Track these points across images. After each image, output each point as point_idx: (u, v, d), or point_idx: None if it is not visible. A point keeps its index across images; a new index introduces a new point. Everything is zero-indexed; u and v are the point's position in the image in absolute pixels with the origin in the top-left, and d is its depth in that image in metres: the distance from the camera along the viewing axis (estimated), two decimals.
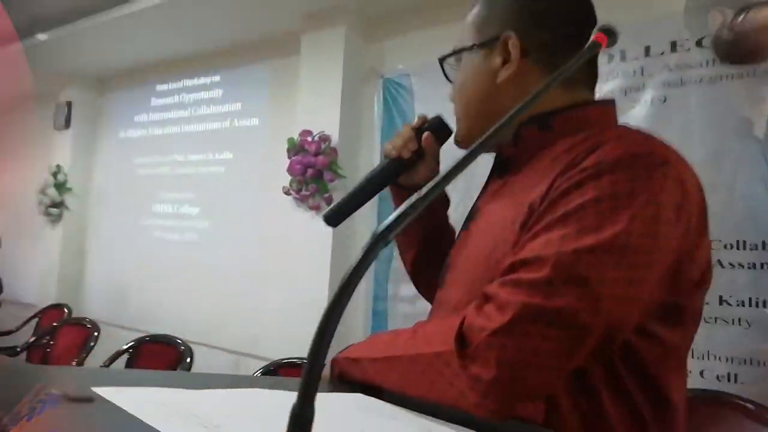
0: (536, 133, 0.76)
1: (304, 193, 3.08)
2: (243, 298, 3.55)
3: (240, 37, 3.69)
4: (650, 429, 0.64)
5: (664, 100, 2.23)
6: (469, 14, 0.84)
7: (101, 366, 2.39)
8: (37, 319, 3.56)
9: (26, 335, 3.34)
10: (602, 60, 2.33)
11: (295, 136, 3.14)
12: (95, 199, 4.72)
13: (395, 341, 0.68)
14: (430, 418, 0.56)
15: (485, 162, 0.82)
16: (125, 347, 2.40)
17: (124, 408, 0.44)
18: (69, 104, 4.68)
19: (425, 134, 0.91)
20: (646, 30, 2.30)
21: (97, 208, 4.70)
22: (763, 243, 1.98)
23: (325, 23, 3.16)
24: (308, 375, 0.31)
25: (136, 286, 4.23)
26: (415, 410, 0.58)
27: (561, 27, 0.77)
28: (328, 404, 0.58)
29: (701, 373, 2.02)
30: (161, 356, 2.33)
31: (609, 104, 0.80)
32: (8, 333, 3.59)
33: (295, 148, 3.13)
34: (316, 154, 3.03)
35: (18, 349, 2.95)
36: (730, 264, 2.03)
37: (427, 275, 0.98)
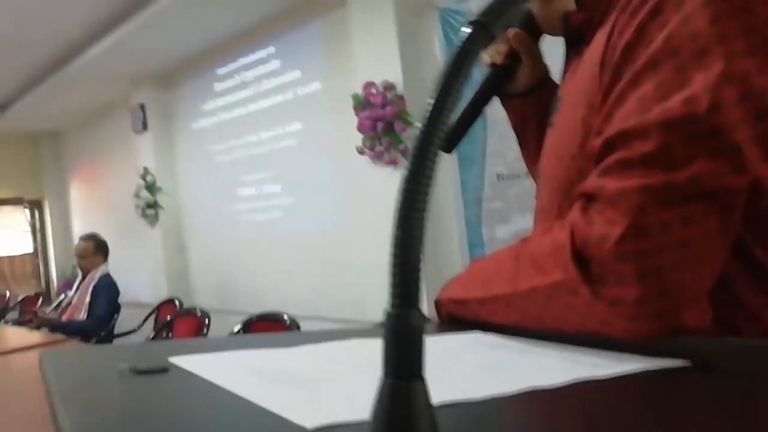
0: None
1: (378, 149, 2.98)
2: (340, 264, 3.56)
3: (286, 1, 3.59)
4: None
5: None
6: None
7: None
8: (154, 316, 3.77)
9: (147, 331, 3.55)
10: None
11: (359, 92, 3.03)
12: (184, 193, 4.91)
13: (500, 271, 0.56)
14: (570, 347, 0.44)
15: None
16: (236, 330, 2.46)
17: (201, 375, 0.36)
18: (142, 107, 4.85)
19: (514, 32, 0.79)
20: None
21: (187, 203, 4.89)
22: None
23: None
24: (401, 262, 0.20)
25: (236, 271, 4.38)
26: (549, 340, 0.47)
27: None
28: (445, 345, 0.48)
29: None
30: (270, 333, 2.36)
31: None
32: (131, 332, 3.84)
33: (362, 104, 3.03)
34: (383, 106, 2.91)
35: None
36: None
37: None
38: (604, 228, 0.45)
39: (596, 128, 0.51)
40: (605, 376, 0.36)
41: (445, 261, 2.72)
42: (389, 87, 2.91)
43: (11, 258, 7.08)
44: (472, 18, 0.27)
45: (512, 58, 0.81)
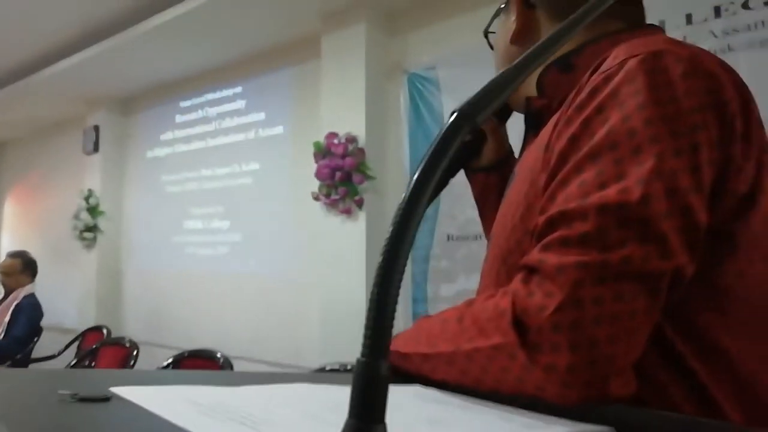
0: (558, 77, 0.67)
1: (333, 197, 3.01)
2: (280, 309, 3.50)
3: (259, 46, 3.67)
4: (709, 391, 0.53)
5: None
6: None
7: None
8: (77, 343, 3.56)
9: (68, 359, 3.34)
10: None
11: (321, 140, 3.08)
12: (127, 220, 4.76)
13: (444, 330, 0.58)
14: (506, 407, 0.47)
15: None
16: (165, 364, 2.35)
17: (142, 406, 0.36)
18: (96, 128, 4.74)
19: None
20: None
21: (129, 229, 4.73)
22: None
23: (344, 22, 3.10)
24: (377, 316, 0.22)
25: (172, 304, 4.22)
26: (487, 399, 0.49)
27: None
28: (390, 395, 0.49)
29: None
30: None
31: (652, 27, 0.70)
32: (51, 358, 3.61)
33: (322, 152, 3.07)
34: (344, 156, 2.96)
35: None
36: None
37: None
38: (543, 299, 0.48)
39: (539, 207, 0.55)
40: None
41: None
42: (351, 139, 2.97)
43: None
44: (458, 108, 0.30)
45: (478, 136, 0.90)
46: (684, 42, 0.57)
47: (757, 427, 0.55)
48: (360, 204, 2.96)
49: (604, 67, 0.55)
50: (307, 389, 0.47)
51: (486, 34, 0.87)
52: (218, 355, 2.27)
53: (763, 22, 2.04)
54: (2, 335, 3.44)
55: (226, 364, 2.16)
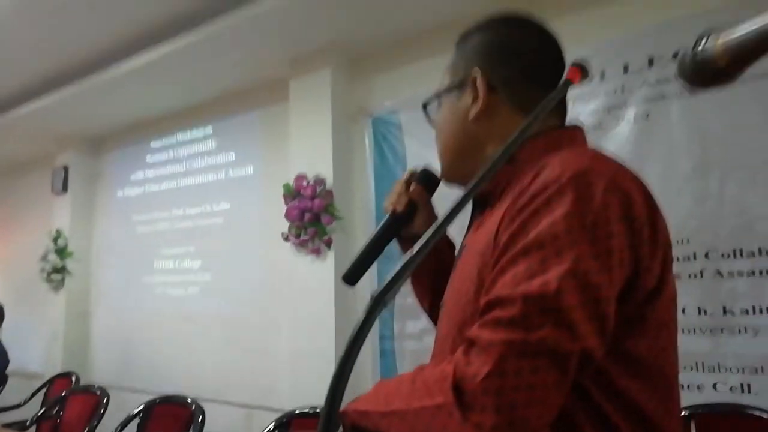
0: (503, 167, 0.78)
1: (303, 237, 3.10)
2: (250, 349, 3.53)
3: (229, 88, 3.77)
4: None
5: (647, 116, 2.27)
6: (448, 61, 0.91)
7: None
8: (45, 390, 3.53)
9: (35, 407, 3.30)
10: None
11: (290, 182, 3.17)
12: (96, 261, 4.74)
13: (399, 391, 0.69)
14: None
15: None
16: (135, 411, 2.38)
17: None
18: (65, 168, 4.73)
19: (413, 186, 1.00)
20: (624, 47, 2.36)
21: (99, 270, 4.70)
22: (760, 250, 1.99)
23: (311, 66, 3.23)
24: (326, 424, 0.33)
25: (142, 346, 4.20)
26: None
27: (525, 62, 0.82)
28: None
29: (714, 386, 2.00)
30: (173, 417, 2.30)
31: (575, 129, 0.83)
32: (17, 407, 3.55)
33: (291, 194, 3.16)
34: (312, 198, 3.06)
35: (27, 423, 2.92)
36: (729, 273, 2.03)
37: None
38: (477, 368, 0.60)
39: (486, 286, 0.67)
40: None
41: (357, 368, 2.71)
42: (320, 182, 3.08)
43: None
44: (373, 294, 0.41)
45: (410, 206, 1.00)
46: (607, 158, 0.70)
47: None
48: (329, 244, 3.05)
49: (543, 177, 0.67)
50: None
51: (425, 106, 0.93)
52: (189, 401, 2.31)
53: None
54: None
55: (197, 411, 2.20)
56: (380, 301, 0.40)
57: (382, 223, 1.02)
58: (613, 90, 2.37)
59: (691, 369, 2.04)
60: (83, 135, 4.72)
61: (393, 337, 2.86)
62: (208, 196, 3.97)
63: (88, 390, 2.84)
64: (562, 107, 0.85)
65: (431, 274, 1.04)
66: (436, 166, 0.97)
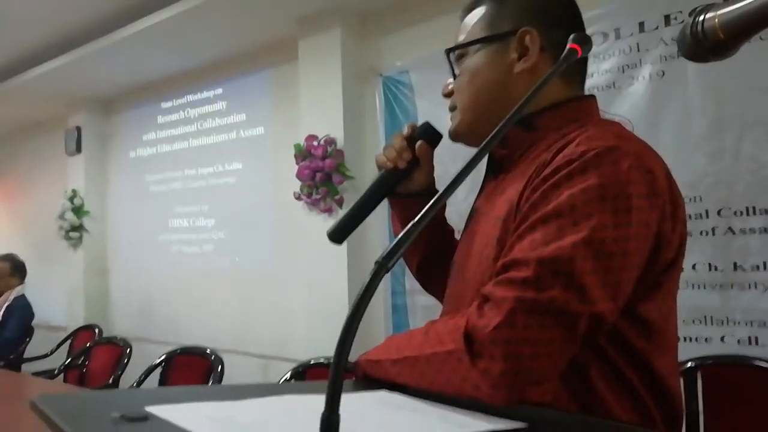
0: (521, 134, 0.81)
1: (315, 197, 3.14)
2: (266, 303, 3.63)
3: (238, 48, 3.75)
4: (641, 395, 0.70)
5: (662, 75, 2.24)
6: (471, 10, 0.88)
7: (137, 380, 2.47)
8: (69, 341, 3.66)
9: (60, 357, 3.44)
10: (597, 40, 2.36)
11: (301, 142, 3.19)
12: (112, 219, 4.83)
13: (411, 342, 0.73)
14: (449, 407, 0.62)
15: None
16: (158, 361, 2.48)
17: (176, 424, 0.50)
18: (78, 129, 4.78)
19: (420, 143, 0.93)
20: (639, 6, 2.32)
21: (115, 228, 4.80)
22: None
23: (320, 26, 3.20)
24: (332, 387, 0.36)
25: (160, 301, 4.33)
26: (436, 402, 0.64)
27: (569, 27, 0.82)
28: (356, 402, 0.64)
29: (722, 339, 2.05)
30: (193, 367, 2.40)
31: (589, 98, 0.85)
32: (43, 357, 3.71)
33: (302, 154, 3.18)
34: (323, 158, 3.08)
35: (56, 372, 3.05)
36: (742, 230, 2.05)
37: (433, 276, 1.04)
38: (488, 320, 0.64)
39: (505, 251, 0.70)
40: None
41: (370, 323, 2.85)
42: (330, 141, 3.09)
43: None
44: (378, 260, 0.43)
45: (412, 162, 0.93)
46: (632, 136, 0.73)
47: (671, 421, 0.73)
48: (340, 203, 3.09)
49: (568, 151, 0.69)
50: (298, 400, 0.61)
51: (449, 52, 0.88)
52: (208, 352, 2.40)
53: None
54: None
55: (216, 361, 2.29)
56: (384, 266, 0.43)
57: (377, 178, 0.95)
58: (628, 48, 2.33)
59: (700, 323, 2.08)
60: (94, 96, 4.74)
61: (405, 292, 2.93)
62: (220, 156, 4.00)
63: (112, 341, 2.95)
64: (582, 73, 0.86)
65: (426, 237, 1.02)
66: (446, 125, 0.93)
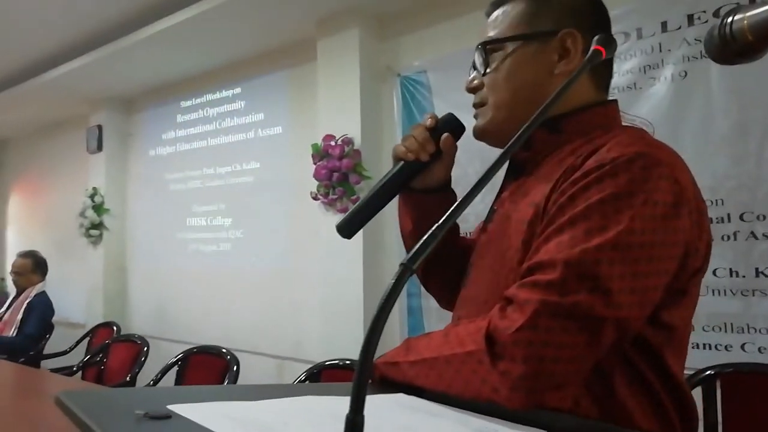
0: (547, 136, 0.80)
1: (331, 197, 3.14)
2: (282, 303, 3.65)
3: (257, 49, 3.77)
4: (662, 401, 0.70)
5: (685, 75, 2.21)
6: (502, 4, 0.86)
7: (154, 378, 2.50)
8: (88, 339, 3.71)
9: (79, 355, 3.49)
10: (619, 40, 2.33)
11: (319, 142, 3.20)
12: (132, 217, 4.89)
13: (430, 344, 0.72)
14: (467, 411, 0.61)
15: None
16: (174, 360, 2.50)
17: (199, 423, 0.50)
18: (100, 128, 4.85)
19: (446, 135, 0.88)
20: (662, 5, 2.29)
21: (134, 226, 4.87)
22: None
23: (339, 26, 3.21)
24: (357, 388, 0.36)
25: (177, 299, 4.37)
26: (453, 406, 0.63)
27: (605, 31, 0.82)
28: (374, 405, 0.63)
29: (743, 347, 2.01)
30: (209, 366, 2.41)
31: (613, 103, 0.84)
32: (62, 354, 3.76)
33: (320, 154, 3.20)
34: (341, 158, 3.09)
35: (74, 369, 3.10)
36: (765, 235, 2.01)
37: (431, 273, 1.02)
38: (510, 321, 0.64)
39: (530, 254, 0.70)
40: None
41: (387, 323, 2.84)
42: (348, 141, 3.10)
43: None
44: (402, 261, 0.43)
45: (434, 156, 0.88)
46: (662, 145, 0.72)
47: (690, 429, 0.72)
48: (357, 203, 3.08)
49: (599, 157, 0.68)
50: (318, 402, 0.61)
51: (485, 45, 0.85)
52: (224, 351, 2.41)
53: None
54: (15, 333, 3.58)
55: (232, 361, 2.30)
56: (409, 268, 0.42)
57: (394, 170, 0.88)
58: (650, 49, 2.31)
59: (720, 329, 2.05)
60: (115, 95, 4.80)
61: (420, 294, 2.92)
62: (238, 155, 4.03)
63: (129, 339, 2.98)
64: (609, 76, 0.86)
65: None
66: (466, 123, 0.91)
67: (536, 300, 0.62)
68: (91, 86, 4.53)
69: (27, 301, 3.69)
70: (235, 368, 2.29)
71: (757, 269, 2.01)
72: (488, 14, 0.89)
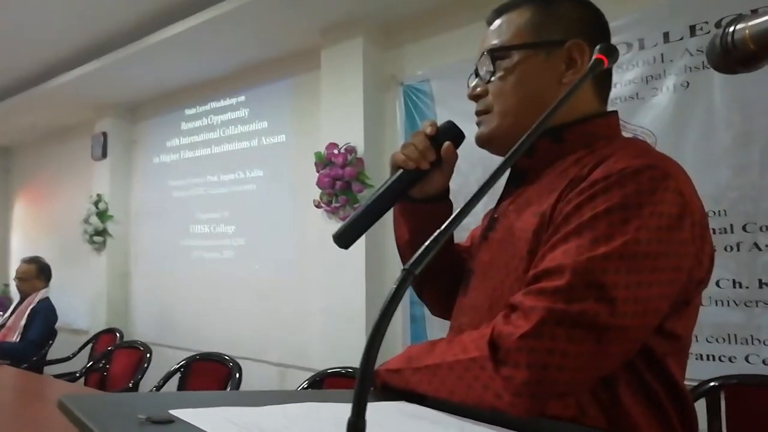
0: (549, 145, 0.81)
1: (334, 205, 3.15)
2: (285, 311, 3.65)
3: (261, 57, 3.80)
4: (667, 411, 0.70)
5: (687, 86, 2.22)
6: (506, 12, 0.86)
7: (157, 385, 2.50)
8: (91, 345, 3.72)
9: (82, 361, 3.49)
10: (621, 50, 2.34)
11: (322, 150, 3.21)
12: (135, 224, 4.91)
13: (432, 351, 0.72)
14: (469, 420, 0.61)
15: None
16: (177, 366, 2.50)
17: (200, 427, 0.51)
18: (104, 135, 4.88)
19: (447, 144, 0.87)
20: (664, 16, 2.30)
21: (137, 233, 4.88)
22: None
23: (342, 35, 3.23)
24: (358, 392, 0.36)
25: (179, 306, 4.38)
26: (455, 413, 0.63)
27: (608, 41, 0.83)
28: (376, 412, 0.63)
29: (747, 358, 2.00)
30: (211, 373, 2.42)
31: (613, 115, 0.85)
32: (65, 360, 3.77)
33: (323, 162, 3.21)
34: (343, 166, 3.10)
35: (77, 375, 3.10)
36: (767, 246, 2.00)
37: (432, 284, 1.01)
38: (514, 328, 0.64)
39: (535, 261, 0.70)
40: None
41: (389, 333, 2.83)
42: (351, 150, 3.11)
43: None
44: (405, 266, 0.43)
45: (434, 164, 0.87)
46: (667, 157, 0.72)
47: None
48: None
49: (606, 167, 0.69)
50: (319, 408, 0.62)
51: (494, 51, 0.84)
52: (227, 358, 2.41)
53: None
54: (19, 338, 3.59)
55: (235, 368, 2.30)
56: (411, 273, 0.43)
57: (392, 179, 0.86)
58: (652, 59, 2.31)
59: (723, 341, 2.04)
60: (120, 103, 4.83)
61: (424, 319, 2.91)
62: (241, 163, 4.05)
63: (132, 345, 2.99)
64: (609, 86, 0.86)
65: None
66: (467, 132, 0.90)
67: (542, 307, 0.63)
68: (96, 94, 4.56)
69: (30, 307, 3.70)
70: (237, 375, 2.29)
71: (760, 280, 2.00)
72: (490, 22, 0.89)
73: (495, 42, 0.85)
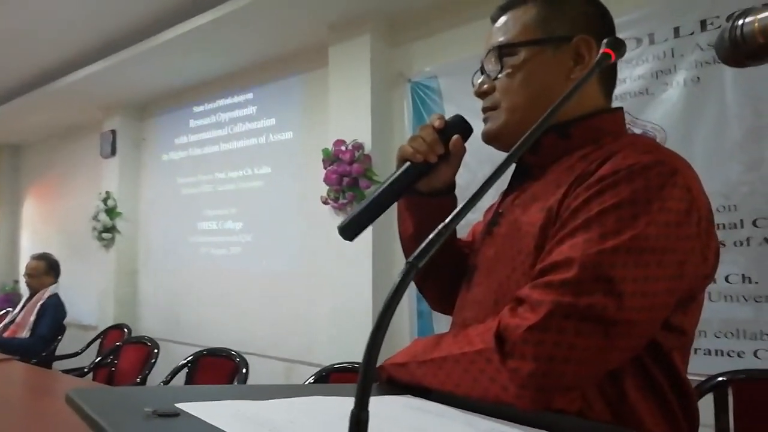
0: (555, 141, 0.80)
1: (341, 201, 3.15)
2: (292, 307, 3.66)
3: (269, 54, 3.80)
4: (672, 405, 0.70)
5: (698, 81, 2.20)
6: (511, 9, 0.86)
7: (164, 380, 2.51)
8: (99, 340, 3.74)
9: (90, 356, 3.52)
10: (631, 45, 2.32)
11: (329, 146, 3.21)
12: (144, 221, 4.94)
13: (438, 344, 0.72)
14: (475, 413, 0.61)
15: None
16: (184, 362, 2.51)
17: (206, 420, 0.51)
18: (113, 132, 4.91)
19: (456, 137, 0.86)
20: (675, 10, 2.28)
21: (146, 230, 4.91)
22: None
23: (350, 32, 3.23)
24: (362, 384, 0.36)
25: (187, 302, 4.40)
26: (461, 408, 0.63)
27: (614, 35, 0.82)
28: (381, 406, 0.63)
29: (755, 353, 1.98)
30: (218, 368, 2.42)
31: (619, 111, 0.84)
32: (74, 355, 3.79)
33: (330, 158, 3.21)
34: (351, 163, 3.10)
35: (85, 370, 3.12)
36: None
37: (434, 278, 1.00)
38: (521, 320, 0.64)
39: (542, 256, 0.70)
40: None
41: (395, 328, 2.84)
42: (358, 146, 3.11)
43: None
44: (409, 259, 0.43)
45: (442, 158, 0.86)
46: (674, 154, 0.72)
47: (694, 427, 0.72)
48: None
49: (614, 163, 0.69)
50: (323, 401, 0.61)
51: (502, 47, 0.84)
52: (233, 353, 2.42)
53: None
54: (28, 334, 3.62)
55: (242, 363, 2.31)
56: (415, 266, 0.42)
57: (399, 171, 0.85)
58: (662, 54, 2.29)
59: (732, 336, 2.02)
60: (129, 101, 4.86)
61: (431, 314, 2.91)
62: (249, 159, 4.06)
63: (140, 341, 3.00)
64: (612, 84, 0.86)
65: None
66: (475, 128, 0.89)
67: (550, 301, 0.62)
68: (105, 92, 4.58)
69: (40, 303, 3.74)
70: (244, 371, 2.30)
71: None
72: (495, 19, 0.88)
73: (501, 39, 0.84)
